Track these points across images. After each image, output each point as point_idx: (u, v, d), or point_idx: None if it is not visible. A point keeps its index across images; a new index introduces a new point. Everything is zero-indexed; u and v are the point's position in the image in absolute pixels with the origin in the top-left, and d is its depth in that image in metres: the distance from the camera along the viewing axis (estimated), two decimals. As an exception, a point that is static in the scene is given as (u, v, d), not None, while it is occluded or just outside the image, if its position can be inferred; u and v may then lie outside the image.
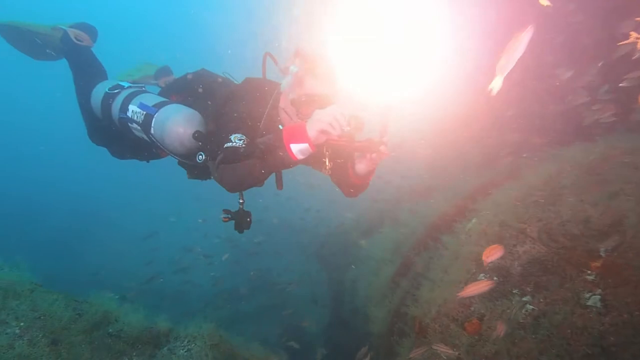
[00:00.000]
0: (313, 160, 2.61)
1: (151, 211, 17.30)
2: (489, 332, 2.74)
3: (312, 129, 2.21)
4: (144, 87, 3.51)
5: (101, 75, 3.87)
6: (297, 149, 2.24)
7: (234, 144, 2.39)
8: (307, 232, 12.42)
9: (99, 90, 3.54)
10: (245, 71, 3.14)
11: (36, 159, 26.58)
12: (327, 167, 2.52)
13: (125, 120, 3.20)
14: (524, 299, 2.69)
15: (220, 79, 3.30)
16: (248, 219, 2.93)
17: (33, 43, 4.19)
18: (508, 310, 2.73)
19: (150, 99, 3.18)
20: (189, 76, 3.45)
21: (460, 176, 5.11)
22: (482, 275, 2.98)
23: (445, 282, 3.26)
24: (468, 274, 3.10)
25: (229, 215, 2.89)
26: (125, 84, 3.49)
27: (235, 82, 3.28)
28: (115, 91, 3.41)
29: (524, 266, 2.80)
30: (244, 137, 2.43)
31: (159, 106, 3.04)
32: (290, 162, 2.30)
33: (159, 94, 3.38)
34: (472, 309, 2.92)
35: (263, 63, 2.92)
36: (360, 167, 2.54)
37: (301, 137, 2.23)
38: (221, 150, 2.41)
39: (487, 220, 3.28)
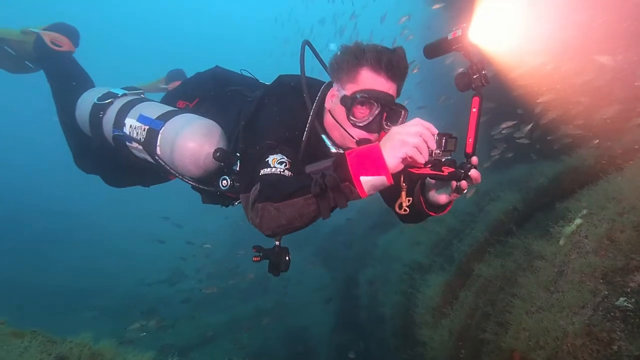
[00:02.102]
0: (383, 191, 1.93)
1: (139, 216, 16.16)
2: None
3: (393, 155, 1.56)
4: (143, 93, 2.85)
5: (87, 87, 3.12)
6: (370, 183, 1.58)
7: (274, 169, 1.80)
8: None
9: (86, 101, 2.84)
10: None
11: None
12: (404, 205, 1.77)
13: (122, 139, 2.56)
14: None
15: (242, 79, 2.66)
16: (287, 258, 2.24)
17: (4, 53, 3.38)
18: (677, 351, 1.94)
19: (153, 109, 2.53)
20: (201, 77, 2.78)
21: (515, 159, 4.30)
22: (622, 299, 2.18)
23: (555, 305, 2.46)
24: (595, 295, 2.30)
25: (261, 254, 2.21)
26: (119, 91, 2.80)
27: (261, 81, 2.66)
28: (107, 101, 2.72)
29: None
30: (285, 159, 1.85)
31: (165, 118, 2.43)
32: (357, 198, 1.65)
33: (162, 102, 2.74)
34: (616, 347, 2.12)
35: (301, 55, 2.17)
36: (439, 197, 1.84)
37: (376, 166, 1.57)
38: (256, 178, 1.80)
39: (607, 220, 2.48)
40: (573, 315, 2.32)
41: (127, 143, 2.57)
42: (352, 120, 1.86)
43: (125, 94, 2.79)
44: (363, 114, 1.87)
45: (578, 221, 2.68)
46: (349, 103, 1.84)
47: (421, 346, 3.80)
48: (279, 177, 1.77)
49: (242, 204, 1.92)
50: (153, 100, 2.77)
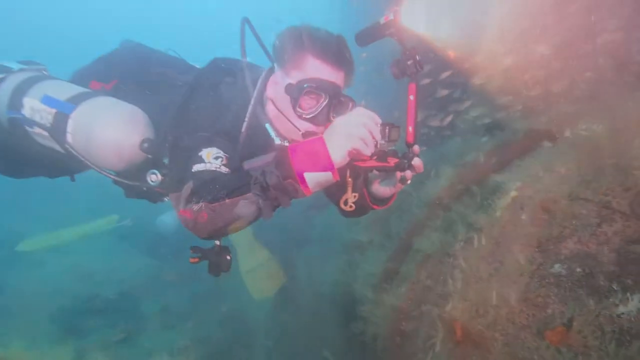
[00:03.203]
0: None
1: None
2: (585, 342, 2.07)
3: (339, 149, 1.45)
4: (45, 69, 2.45)
5: None
6: (315, 180, 1.46)
7: (209, 165, 1.63)
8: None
9: None
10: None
11: None
12: (351, 201, 1.66)
13: (19, 123, 2.18)
14: (630, 295, 2.05)
15: (169, 60, 2.39)
16: (228, 257, 2.03)
17: None
18: (605, 311, 2.07)
19: (61, 89, 2.18)
20: (119, 54, 2.46)
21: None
22: (557, 265, 2.29)
23: (494, 275, 2.55)
24: (531, 263, 2.40)
25: (200, 255, 1.99)
26: (14, 65, 2.39)
27: (191, 63, 2.42)
28: None
29: (619, 252, 2.15)
30: (221, 154, 1.68)
31: (76, 100, 2.10)
32: (301, 197, 1.54)
33: (72, 81, 2.36)
34: (550, 311, 2.23)
35: (241, 35, 1.98)
36: (383, 189, 1.81)
37: (321, 161, 1.44)
38: (189, 174, 1.63)
39: (541, 191, 2.59)
40: (511, 283, 2.41)
41: (28, 128, 2.19)
42: (299, 111, 1.71)
43: (22, 69, 2.37)
44: (309, 104, 1.73)
45: (513, 193, 2.78)
46: (295, 93, 1.69)
47: (362, 322, 3.83)
48: (214, 174, 1.60)
49: (172, 204, 1.75)
50: (58, 79, 2.38)
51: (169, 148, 1.97)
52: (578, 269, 2.21)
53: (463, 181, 3.50)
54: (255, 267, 5.47)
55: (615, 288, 2.09)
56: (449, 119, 3.85)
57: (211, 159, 1.64)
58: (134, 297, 9.35)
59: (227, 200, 1.49)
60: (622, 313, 2.02)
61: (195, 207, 1.52)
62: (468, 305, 2.59)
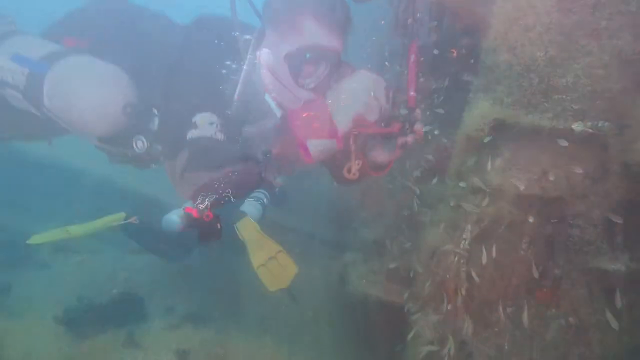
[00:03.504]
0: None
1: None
2: (574, 299, 2.09)
3: (343, 114, 1.44)
4: (14, 24, 2.28)
5: None
6: (318, 148, 1.47)
7: (204, 132, 1.55)
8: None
9: None
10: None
11: None
12: (354, 169, 1.62)
13: None
14: (620, 254, 2.06)
15: (150, 16, 2.26)
16: (218, 225, 1.96)
17: None
18: (594, 269, 2.09)
19: (33, 47, 2.04)
20: (95, 8, 2.30)
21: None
22: (548, 227, 2.30)
23: (484, 235, 2.54)
24: (526, 225, 2.39)
25: (190, 223, 1.95)
26: None
27: (173, 20, 2.31)
28: None
29: (611, 211, 2.15)
30: (215, 119, 1.59)
31: (50, 59, 1.96)
32: (303, 165, 1.55)
33: (44, 37, 2.22)
34: (540, 270, 2.24)
35: None
36: (382, 155, 1.77)
37: (325, 128, 1.44)
38: (183, 142, 1.57)
39: (534, 151, 2.56)
40: (502, 244, 2.41)
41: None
42: (300, 82, 1.65)
43: None
44: (310, 73, 1.67)
45: (506, 154, 2.75)
46: (296, 62, 1.62)
47: (353, 287, 3.85)
48: (210, 141, 1.56)
49: (167, 173, 1.70)
50: (29, 34, 2.23)
51: (159, 113, 1.91)
52: (569, 229, 2.22)
53: (456, 146, 3.47)
54: (267, 260, 5.59)
55: (605, 246, 2.09)
56: (446, 82, 3.76)
57: (205, 125, 1.57)
58: (138, 295, 9.27)
59: (226, 169, 1.47)
60: (612, 270, 2.04)
61: (193, 176, 1.52)
62: (461, 268, 2.59)
